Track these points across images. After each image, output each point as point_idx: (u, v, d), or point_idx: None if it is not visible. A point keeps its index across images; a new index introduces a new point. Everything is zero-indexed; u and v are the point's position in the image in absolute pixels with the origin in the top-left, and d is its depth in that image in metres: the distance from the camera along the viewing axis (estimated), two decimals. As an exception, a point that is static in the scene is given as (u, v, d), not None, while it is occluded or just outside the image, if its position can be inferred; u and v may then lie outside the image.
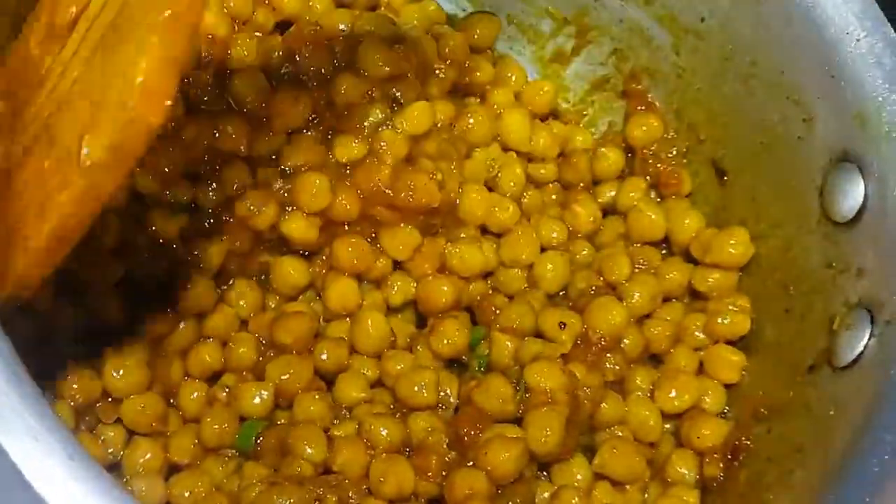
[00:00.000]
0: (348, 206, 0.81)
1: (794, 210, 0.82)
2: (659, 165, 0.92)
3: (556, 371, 0.78)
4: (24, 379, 0.52)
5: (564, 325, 0.82)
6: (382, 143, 0.82)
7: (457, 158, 0.86)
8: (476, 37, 0.93)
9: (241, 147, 0.81)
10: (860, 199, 0.76)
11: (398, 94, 0.83)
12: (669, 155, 0.92)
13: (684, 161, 0.92)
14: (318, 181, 0.80)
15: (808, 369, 0.77)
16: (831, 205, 0.78)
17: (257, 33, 0.86)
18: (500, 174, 0.89)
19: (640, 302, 0.85)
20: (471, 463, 0.75)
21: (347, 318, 0.84)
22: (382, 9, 0.92)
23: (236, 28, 0.86)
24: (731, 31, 0.85)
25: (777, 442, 0.77)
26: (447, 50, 0.89)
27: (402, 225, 0.83)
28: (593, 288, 0.85)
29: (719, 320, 0.85)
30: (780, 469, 0.74)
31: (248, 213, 0.80)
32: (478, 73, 0.92)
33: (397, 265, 0.85)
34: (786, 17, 0.80)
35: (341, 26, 0.85)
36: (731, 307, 0.85)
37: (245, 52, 0.83)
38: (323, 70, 0.83)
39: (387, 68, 0.82)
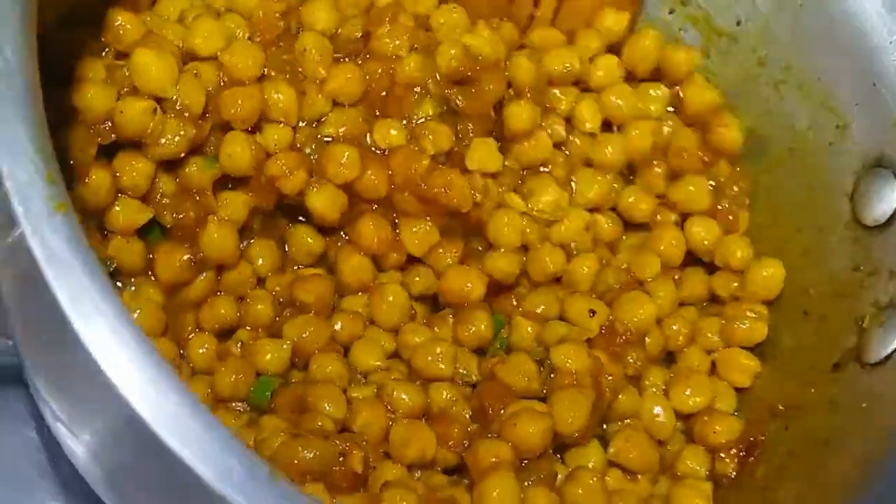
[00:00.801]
0: (377, 183, 0.79)
1: (819, 214, 0.83)
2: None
3: (583, 353, 0.77)
4: (105, 278, 0.50)
5: (594, 312, 0.80)
6: (428, 133, 0.80)
7: (507, 185, 0.84)
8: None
9: (289, 118, 0.79)
10: (894, 204, 0.77)
11: (458, 99, 0.80)
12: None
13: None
14: (347, 152, 0.78)
15: (833, 367, 0.77)
16: (862, 209, 0.79)
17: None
18: (562, 225, 0.86)
19: (664, 302, 0.84)
20: (495, 434, 0.74)
21: (360, 293, 0.82)
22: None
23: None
24: (767, 36, 0.86)
25: (798, 437, 0.77)
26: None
27: (424, 220, 0.81)
28: (620, 285, 0.84)
29: (737, 325, 0.84)
30: (805, 462, 0.74)
31: (280, 172, 0.78)
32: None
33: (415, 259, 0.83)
34: (827, 24, 0.82)
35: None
36: (749, 313, 0.84)
37: (321, 17, 0.81)
38: (395, 50, 0.81)
39: (460, 68, 0.80)
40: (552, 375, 0.77)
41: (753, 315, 0.84)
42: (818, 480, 0.72)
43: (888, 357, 0.73)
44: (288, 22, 0.79)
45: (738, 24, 0.88)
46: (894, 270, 0.76)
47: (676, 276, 0.87)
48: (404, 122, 0.80)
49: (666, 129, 0.88)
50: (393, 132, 0.80)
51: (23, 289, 0.56)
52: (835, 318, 0.79)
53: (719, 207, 0.87)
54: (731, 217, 0.87)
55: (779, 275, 0.84)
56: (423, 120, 0.81)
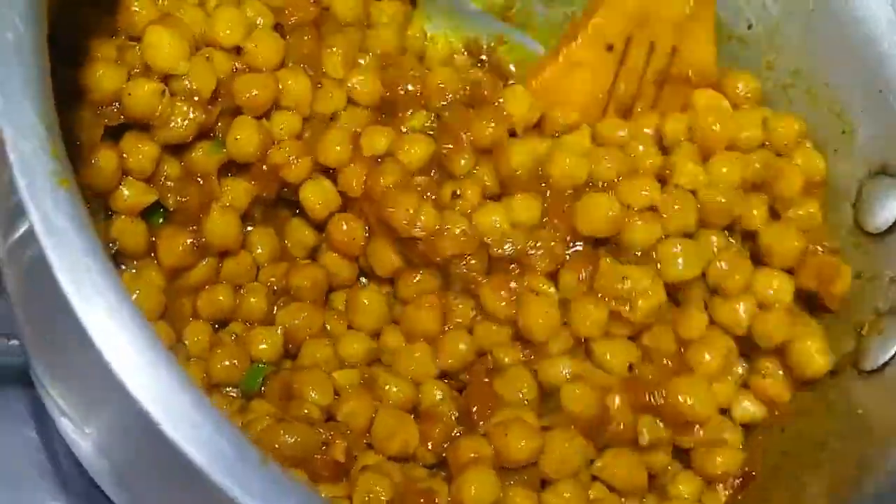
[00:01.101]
0: (355, 179, 0.77)
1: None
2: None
3: (594, 399, 0.73)
4: (106, 258, 0.50)
5: (632, 367, 0.75)
6: (399, 148, 0.78)
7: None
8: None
9: (300, 107, 0.79)
10: (897, 212, 0.77)
11: (446, 112, 0.80)
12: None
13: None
14: (340, 136, 0.78)
15: (830, 374, 0.77)
16: (865, 216, 0.79)
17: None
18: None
19: (712, 366, 0.77)
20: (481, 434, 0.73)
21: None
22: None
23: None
24: (777, 40, 0.86)
25: (793, 439, 0.77)
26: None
27: (385, 240, 0.78)
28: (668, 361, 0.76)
29: (758, 379, 0.79)
30: (799, 463, 0.74)
31: (283, 160, 0.77)
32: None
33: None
34: (837, 29, 0.81)
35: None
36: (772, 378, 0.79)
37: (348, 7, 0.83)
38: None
39: (444, 88, 0.81)
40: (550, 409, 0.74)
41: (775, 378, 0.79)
42: (812, 482, 0.72)
43: (885, 364, 0.73)
44: (319, 7, 0.80)
45: (749, 27, 0.87)
46: (895, 277, 0.76)
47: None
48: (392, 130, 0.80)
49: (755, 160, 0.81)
50: (382, 140, 0.79)
51: (28, 280, 0.56)
52: (834, 325, 0.79)
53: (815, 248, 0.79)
54: (830, 264, 0.78)
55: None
56: (407, 127, 0.80)
